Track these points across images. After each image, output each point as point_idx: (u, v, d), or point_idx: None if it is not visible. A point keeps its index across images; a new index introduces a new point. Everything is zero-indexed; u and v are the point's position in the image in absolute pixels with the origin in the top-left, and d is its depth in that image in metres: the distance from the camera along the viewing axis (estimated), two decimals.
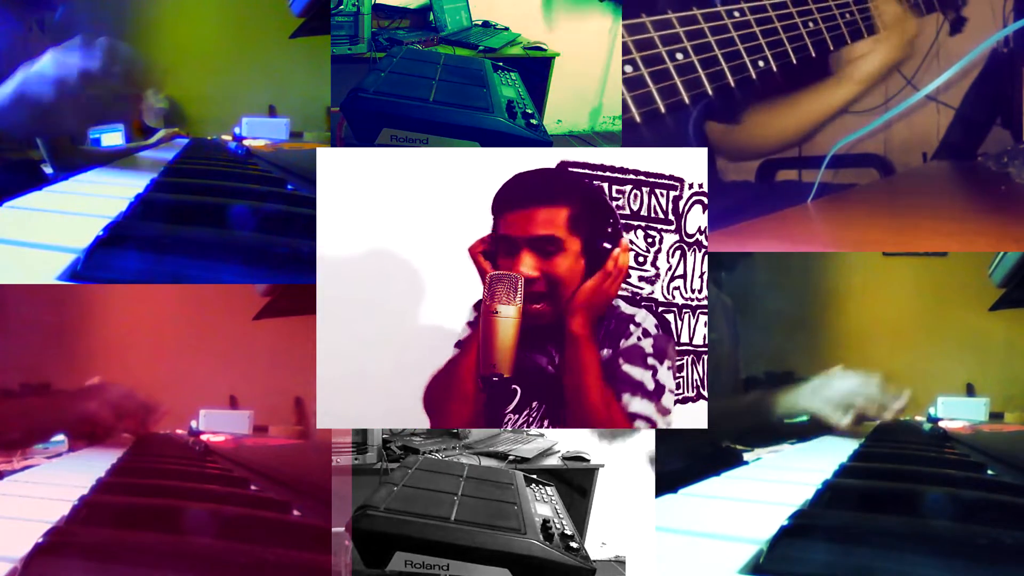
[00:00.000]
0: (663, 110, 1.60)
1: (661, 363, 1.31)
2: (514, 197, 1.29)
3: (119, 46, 1.65)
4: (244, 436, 1.97)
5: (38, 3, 1.90)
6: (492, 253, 1.31)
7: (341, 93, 1.67)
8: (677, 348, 1.77)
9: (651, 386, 1.29)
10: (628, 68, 1.60)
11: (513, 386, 1.31)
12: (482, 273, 1.29)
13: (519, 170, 1.33)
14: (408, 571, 1.03)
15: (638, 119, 1.59)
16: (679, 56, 1.64)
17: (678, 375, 1.76)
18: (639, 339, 1.31)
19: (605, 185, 1.70)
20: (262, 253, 1.34)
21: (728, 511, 1.40)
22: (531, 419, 1.35)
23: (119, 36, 1.97)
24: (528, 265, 1.26)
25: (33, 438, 1.92)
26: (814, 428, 1.96)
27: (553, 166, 1.65)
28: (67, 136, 1.75)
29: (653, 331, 1.33)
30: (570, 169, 1.67)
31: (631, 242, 1.72)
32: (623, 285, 1.69)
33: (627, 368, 1.29)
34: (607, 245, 1.28)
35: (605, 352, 1.31)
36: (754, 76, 1.75)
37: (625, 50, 1.60)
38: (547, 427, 1.36)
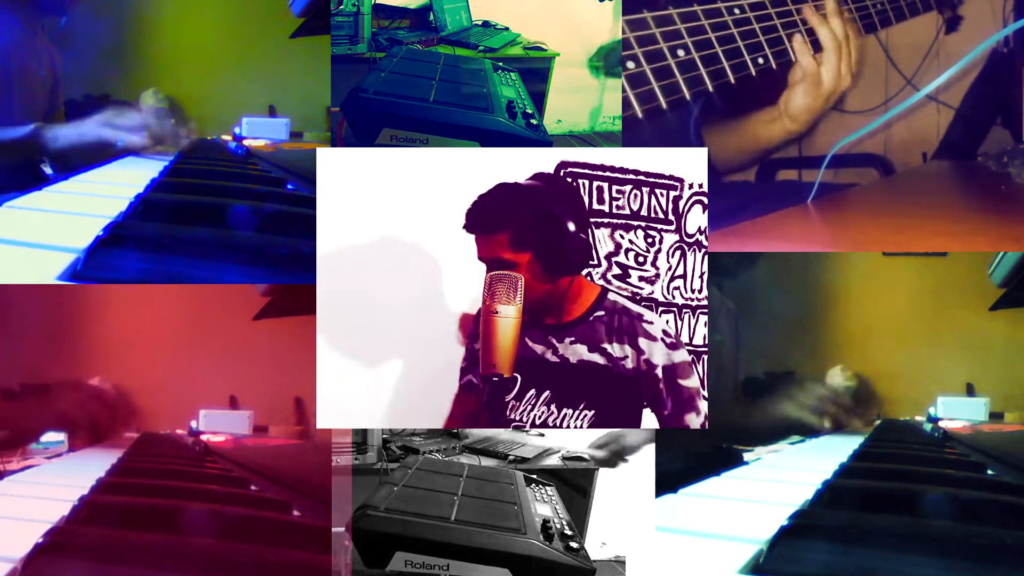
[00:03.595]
0: (665, 106, 1.61)
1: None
2: (471, 225, 1.34)
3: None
4: (244, 436, 1.97)
5: (44, 9, 1.92)
6: None
7: (341, 93, 1.67)
8: None
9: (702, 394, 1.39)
10: (631, 64, 1.60)
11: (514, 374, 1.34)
12: None
13: (513, 173, 1.38)
14: (408, 571, 1.03)
15: (640, 115, 1.59)
16: (680, 53, 1.64)
17: None
18: (672, 347, 1.37)
19: (605, 185, 1.70)
20: (262, 253, 1.34)
21: (728, 511, 1.40)
22: (532, 407, 1.38)
23: (121, 38, 1.99)
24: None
25: (29, 436, 1.93)
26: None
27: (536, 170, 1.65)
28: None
29: (674, 334, 1.40)
30: (565, 168, 1.67)
31: (631, 242, 1.72)
32: (622, 285, 1.70)
33: (685, 383, 1.37)
34: (581, 236, 1.33)
35: (617, 348, 1.36)
36: (754, 73, 1.75)
37: (626, 46, 1.60)
38: (551, 413, 1.38)
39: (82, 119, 1.82)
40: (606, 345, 1.37)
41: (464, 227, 1.35)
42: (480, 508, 1.17)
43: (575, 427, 1.39)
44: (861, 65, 1.91)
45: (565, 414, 1.39)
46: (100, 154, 1.83)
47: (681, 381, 1.36)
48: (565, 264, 1.34)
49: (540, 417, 1.39)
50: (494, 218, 1.33)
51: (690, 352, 1.77)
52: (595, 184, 1.70)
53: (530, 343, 1.39)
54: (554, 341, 1.38)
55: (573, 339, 1.38)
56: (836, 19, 1.83)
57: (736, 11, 1.75)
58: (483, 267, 1.34)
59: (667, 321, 1.43)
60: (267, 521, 1.36)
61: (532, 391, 1.39)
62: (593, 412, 1.38)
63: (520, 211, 1.33)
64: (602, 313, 1.38)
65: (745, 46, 1.75)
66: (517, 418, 1.40)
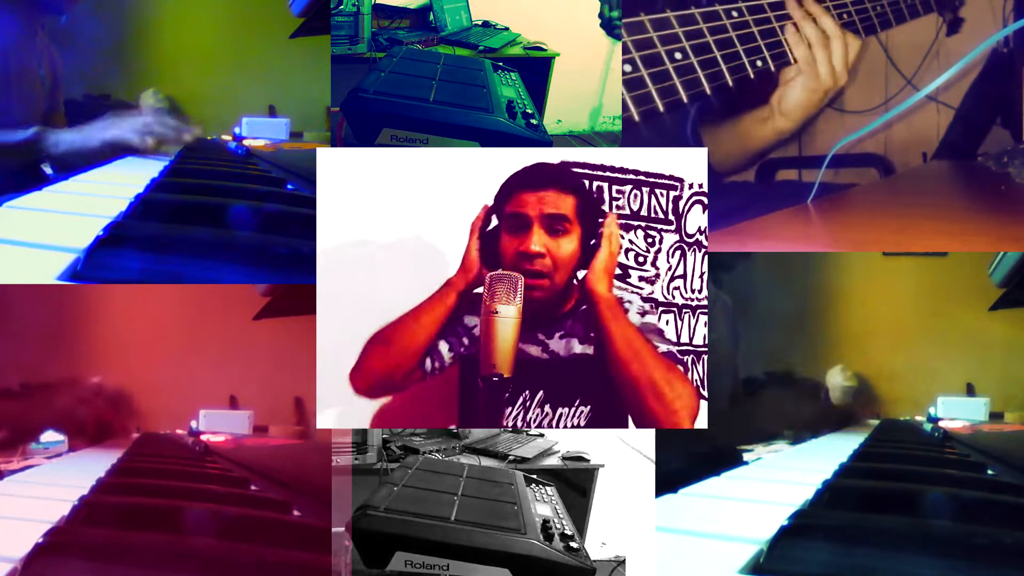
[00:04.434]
0: (662, 109, 1.61)
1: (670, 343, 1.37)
2: (527, 181, 1.34)
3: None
4: (244, 436, 1.97)
5: (44, 8, 1.92)
6: (492, 235, 1.36)
7: (341, 93, 1.67)
8: (677, 348, 1.78)
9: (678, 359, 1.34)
10: (628, 68, 1.60)
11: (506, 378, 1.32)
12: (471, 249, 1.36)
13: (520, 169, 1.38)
14: (408, 571, 1.03)
15: (637, 118, 1.59)
16: (678, 56, 1.64)
17: None
18: (641, 314, 1.37)
19: (605, 185, 1.70)
20: (262, 253, 1.34)
21: (728, 511, 1.40)
22: (527, 409, 1.37)
23: (121, 38, 1.99)
24: (537, 241, 1.30)
25: (29, 437, 1.93)
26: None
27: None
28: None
29: (648, 308, 1.40)
30: (573, 169, 1.67)
31: (631, 242, 1.72)
32: (622, 285, 1.70)
33: (658, 343, 1.33)
34: (593, 242, 1.34)
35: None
36: (752, 75, 1.75)
37: (624, 50, 1.61)
38: (547, 415, 1.37)
39: (84, 124, 1.82)
40: (594, 333, 1.36)
41: (510, 185, 1.34)
42: (480, 508, 1.17)
43: (571, 426, 1.38)
44: (858, 63, 1.91)
45: (561, 413, 1.38)
46: (102, 157, 1.83)
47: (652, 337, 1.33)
48: (590, 252, 1.34)
49: (535, 419, 1.38)
50: (566, 178, 1.34)
51: (691, 352, 1.78)
52: (595, 184, 1.70)
53: (520, 344, 1.37)
54: (544, 338, 1.38)
55: (562, 333, 1.38)
56: (824, 16, 1.83)
57: (734, 14, 1.75)
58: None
59: (646, 304, 1.43)
60: (267, 521, 1.36)
61: (526, 392, 1.37)
62: (589, 408, 1.37)
63: (579, 188, 1.36)
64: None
65: (743, 49, 1.75)
66: (511, 424, 1.39)
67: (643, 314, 1.38)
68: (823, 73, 1.82)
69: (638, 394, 1.25)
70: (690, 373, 1.77)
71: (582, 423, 1.38)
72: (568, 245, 1.32)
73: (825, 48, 1.81)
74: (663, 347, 1.33)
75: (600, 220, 1.34)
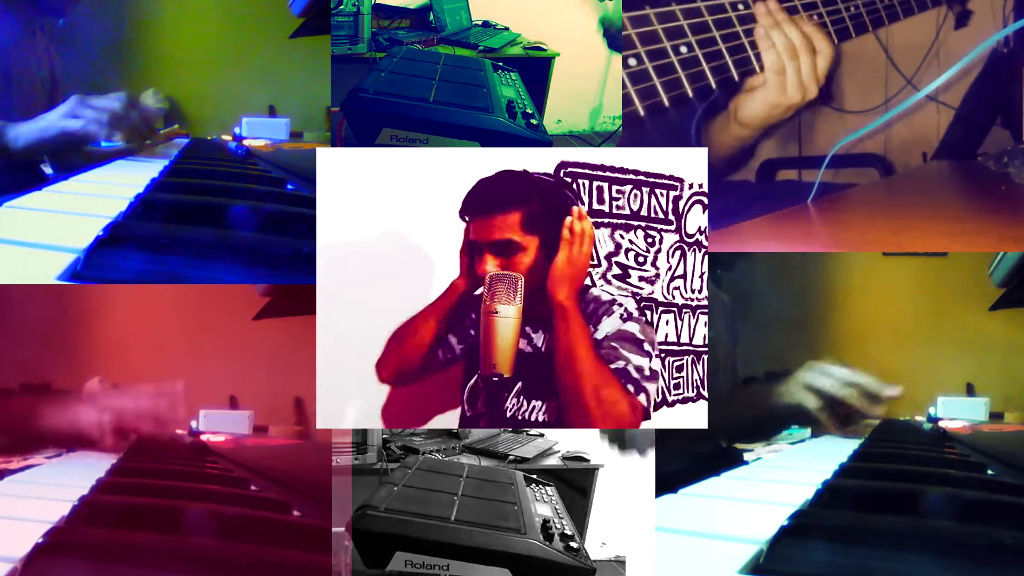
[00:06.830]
0: (667, 103, 1.61)
1: (653, 350, 1.32)
2: (474, 205, 1.36)
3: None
4: (244, 436, 1.97)
5: (44, 9, 1.91)
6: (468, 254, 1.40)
7: (341, 93, 1.67)
8: (677, 348, 1.78)
9: (647, 372, 1.30)
10: (632, 61, 1.60)
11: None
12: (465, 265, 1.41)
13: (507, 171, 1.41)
14: (408, 571, 1.03)
15: (641, 112, 1.59)
16: (683, 49, 1.64)
17: (677, 375, 1.77)
18: (623, 319, 1.34)
19: (605, 185, 1.70)
20: (262, 253, 1.34)
21: (728, 511, 1.40)
22: (504, 397, 1.37)
23: (121, 38, 1.99)
24: (492, 265, 1.33)
25: (29, 437, 1.93)
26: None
27: (521, 167, 1.64)
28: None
29: (636, 314, 1.36)
30: (565, 168, 1.67)
31: (631, 242, 1.72)
32: (622, 285, 1.70)
33: (625, 351, 1.30)
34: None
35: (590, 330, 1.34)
36: (759, 70, 1.74)
37: (628, 43, 1.61)
38: (520, 404, 1.37)
39: (43, 114, 1.75)
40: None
41: (463, 210, 1.35)
42: (480, 508, 1.17)
43: (541, 419, 1.37)
44: (847, 67, 1.88)
45: (534, 406, 1.38)
46: (67, 148, 1.76)
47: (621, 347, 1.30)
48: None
49: (510, 410, 1.38)
50: (505, 198, 1.34)
51: (691, 352, 1.77)
52: (595, 184, 1.70)
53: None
54: (529, 332, 1.39)
55: (544, 329, 1.38)
56: (790, 25, 1.73)
57: (740, 7, 1.75)
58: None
59: (637, 305, 1.40)
60: (267, 521, 1.36)
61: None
62: (556, 404, 1.36)
63: (532, 195, 1.35)
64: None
65: (748, 43, 1.75)
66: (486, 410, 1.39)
67: (625, 319, 1.34)
68: (790, 87, 1.72)
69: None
70: (690, 373, 1.77)
71: (545, 418, 1.37)
72: (524, 260, 1.32)
73: (794, 60, 1.71)
74: (635, 360, 1.29)
75: (567, 219, 1.32)
